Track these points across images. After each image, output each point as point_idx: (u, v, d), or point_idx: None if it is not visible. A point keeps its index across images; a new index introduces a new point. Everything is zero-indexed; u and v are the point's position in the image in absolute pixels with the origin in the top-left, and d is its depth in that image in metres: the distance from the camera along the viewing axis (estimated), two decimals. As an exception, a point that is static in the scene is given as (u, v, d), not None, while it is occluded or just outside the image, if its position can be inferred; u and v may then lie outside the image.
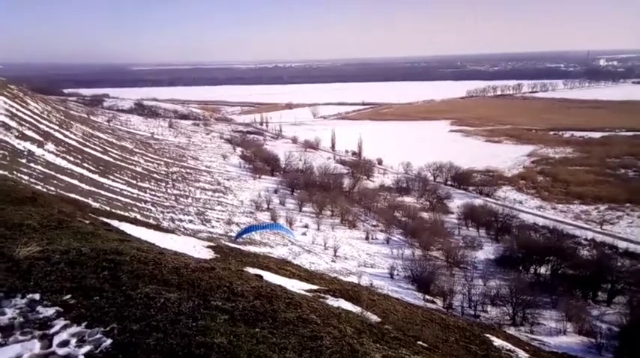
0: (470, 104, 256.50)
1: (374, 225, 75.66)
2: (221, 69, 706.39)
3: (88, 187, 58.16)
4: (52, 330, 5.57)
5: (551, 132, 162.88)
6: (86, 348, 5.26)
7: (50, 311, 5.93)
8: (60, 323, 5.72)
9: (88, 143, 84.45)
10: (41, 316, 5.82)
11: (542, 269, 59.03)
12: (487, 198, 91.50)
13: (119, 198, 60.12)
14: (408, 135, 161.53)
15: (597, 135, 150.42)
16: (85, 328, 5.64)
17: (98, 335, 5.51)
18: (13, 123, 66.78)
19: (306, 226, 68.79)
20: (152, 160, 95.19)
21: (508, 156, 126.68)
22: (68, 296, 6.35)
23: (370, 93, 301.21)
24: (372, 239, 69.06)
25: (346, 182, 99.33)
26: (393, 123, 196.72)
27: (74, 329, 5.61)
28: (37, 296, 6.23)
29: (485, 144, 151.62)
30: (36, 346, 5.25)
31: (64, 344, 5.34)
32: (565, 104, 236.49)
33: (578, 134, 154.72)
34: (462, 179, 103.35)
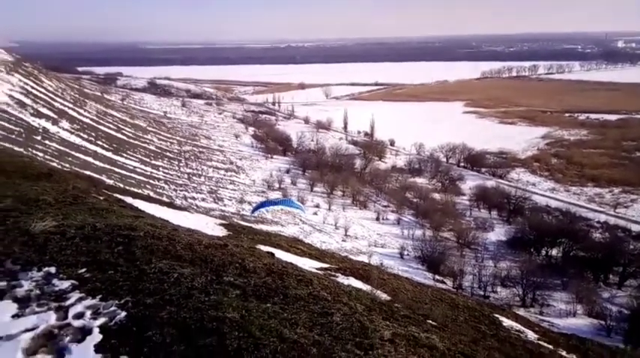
0: (484, 85, 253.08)
1: (385, 206, 75.66)
2: (234, 48, 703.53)
3: (102, 164, 58.77)
4: (68, 302, 5.68)
5: (567, 114, 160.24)
6: (101, 320, 5.37)
7: (66, 284, 6.03)
8: (75, 295, 5.83)
9: (101, 121, 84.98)
10: (57, 289, 5.93)
11: (554, 251, 58.71)
12: (500, 180, 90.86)
13: (133, 175, 60.68)
14: (421, 116, 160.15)
15: (613, 117, 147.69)
16: (100, 301, 5.75)
17: (112, 308, 5.62)
18: (28, 101, 67.36)
19: (317, 206, 68.94)
20: (165, 139, 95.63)
21: (522, 138, 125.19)
22: (83, 270, 6.45)
23: (383, 73, 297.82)
24: (383, 219, 69.12)
25: (358, 163, 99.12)
26: (406, 103, 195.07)
27: (89, 301, 5.72)
28: (52, 270, 6.34)
29: (499, 125, 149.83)
30: (52, 317, 5.36)
31: (80, 316, 5.45)
32: (581, 86, 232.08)
33: (593, 116, 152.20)
34: (474, 160, 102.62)
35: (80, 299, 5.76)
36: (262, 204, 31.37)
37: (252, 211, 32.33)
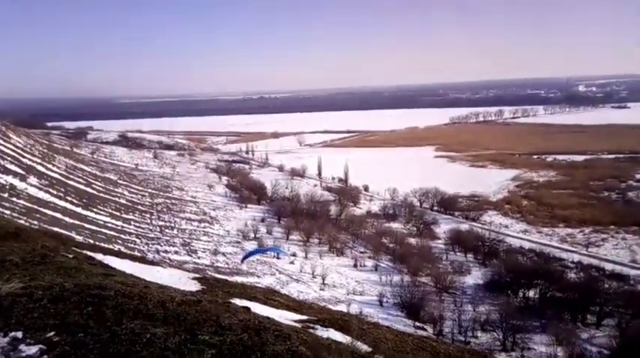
0: (453, 131, 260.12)
1: (362, 252, 75.37)
2: (207, 101, 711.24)
3: (71, 220, 57.46)
4: (35, 370, 5.44)
5: (535, 157, 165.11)
6: (70, 388, 5.13)
7: (33, 350, 5.79)
8: (43, 362, 5.58)
9: (71, 176, 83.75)
10: (24, 355, 5.68)
11: (531, 293, 58.85)
12: (473, 223, 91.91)
13: (103, 230, 59.39)
14: (394, 162, 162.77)
15: (580, 158, 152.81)
16: (69, 366, 5.52)
17: (82, 374, 5.39)
18: (-5, 158, 66.19)
19: (293, 254, 68.18)
20: (136, 191, 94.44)
21: (493, 181, 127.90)
22: (52, 333, 6.21)
23: (356, 121, 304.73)
24: (361, 266, 68.69)
25: (333, 209, 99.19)
26: (379, 150, 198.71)
27: (58, 368, 5.49)
28: (19, 335, 6.09)
29: (469, 169, 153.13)
30: (18, 387, 5.12)
31: (47, 384, 5.21)
32: (547, 129, 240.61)
33: (560, 158, 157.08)
34: (447, 204, 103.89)
35: (48, 366, 5.53)
36: (251, 253, 31.67)
37: (243, 259, 32.70)
